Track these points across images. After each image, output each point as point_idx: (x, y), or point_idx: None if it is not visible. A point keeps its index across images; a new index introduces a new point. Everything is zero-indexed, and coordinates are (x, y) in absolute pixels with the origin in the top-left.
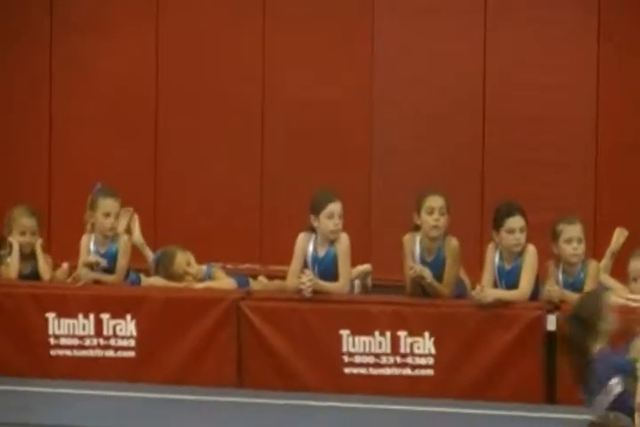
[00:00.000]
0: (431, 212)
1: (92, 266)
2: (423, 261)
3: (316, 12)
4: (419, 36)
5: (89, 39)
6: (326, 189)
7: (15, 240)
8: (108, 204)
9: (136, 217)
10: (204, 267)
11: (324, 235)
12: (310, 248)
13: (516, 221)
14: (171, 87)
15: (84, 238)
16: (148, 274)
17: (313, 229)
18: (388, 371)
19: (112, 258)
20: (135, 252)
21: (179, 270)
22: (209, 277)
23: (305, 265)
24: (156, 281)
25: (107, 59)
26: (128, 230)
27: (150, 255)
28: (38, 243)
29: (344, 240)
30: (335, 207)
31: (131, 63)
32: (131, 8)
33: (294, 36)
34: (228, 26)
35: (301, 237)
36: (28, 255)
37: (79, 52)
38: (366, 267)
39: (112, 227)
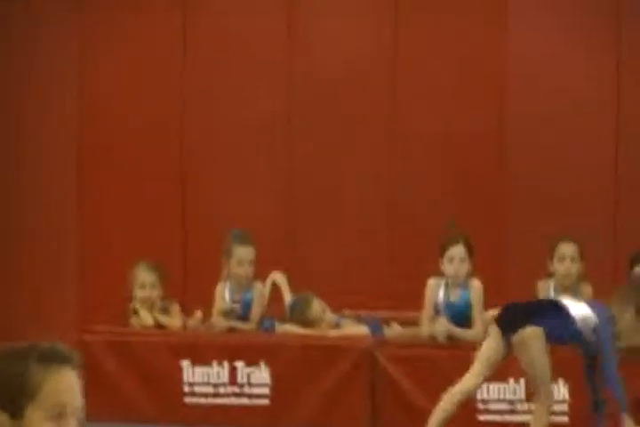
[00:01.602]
0: (563, 259)
1: (226, 314)
2: None
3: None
4: (547, 80)
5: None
6: (454, 232)
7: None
8: (242, 251)
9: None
10: (335, 315)
11: (448, 279)
12: (441, 293)
13: None
14: (302, 114)
15: (220, 286)
16: (281, 319)
17: (443, 274)
18: (522, 418)
19: (247, 305)
20: (271, 298)
21: (314, 317)
22: (339, 324)
23: (437, 310)
24: (290, 328)
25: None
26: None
27: (288, 297)
28: (157, 298)
29: (476, 285)
30: (455, 251)
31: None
32: None
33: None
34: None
35: (431, 281)
36: (151, 309)
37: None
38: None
39: (247, 275)
